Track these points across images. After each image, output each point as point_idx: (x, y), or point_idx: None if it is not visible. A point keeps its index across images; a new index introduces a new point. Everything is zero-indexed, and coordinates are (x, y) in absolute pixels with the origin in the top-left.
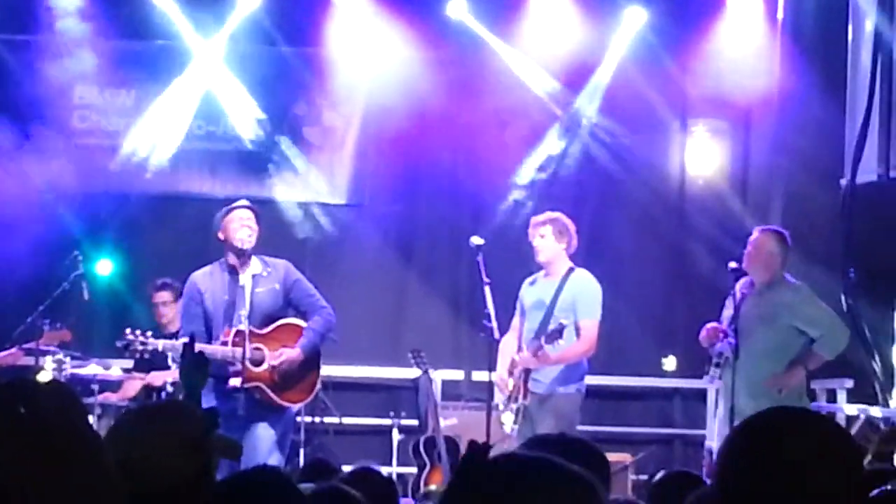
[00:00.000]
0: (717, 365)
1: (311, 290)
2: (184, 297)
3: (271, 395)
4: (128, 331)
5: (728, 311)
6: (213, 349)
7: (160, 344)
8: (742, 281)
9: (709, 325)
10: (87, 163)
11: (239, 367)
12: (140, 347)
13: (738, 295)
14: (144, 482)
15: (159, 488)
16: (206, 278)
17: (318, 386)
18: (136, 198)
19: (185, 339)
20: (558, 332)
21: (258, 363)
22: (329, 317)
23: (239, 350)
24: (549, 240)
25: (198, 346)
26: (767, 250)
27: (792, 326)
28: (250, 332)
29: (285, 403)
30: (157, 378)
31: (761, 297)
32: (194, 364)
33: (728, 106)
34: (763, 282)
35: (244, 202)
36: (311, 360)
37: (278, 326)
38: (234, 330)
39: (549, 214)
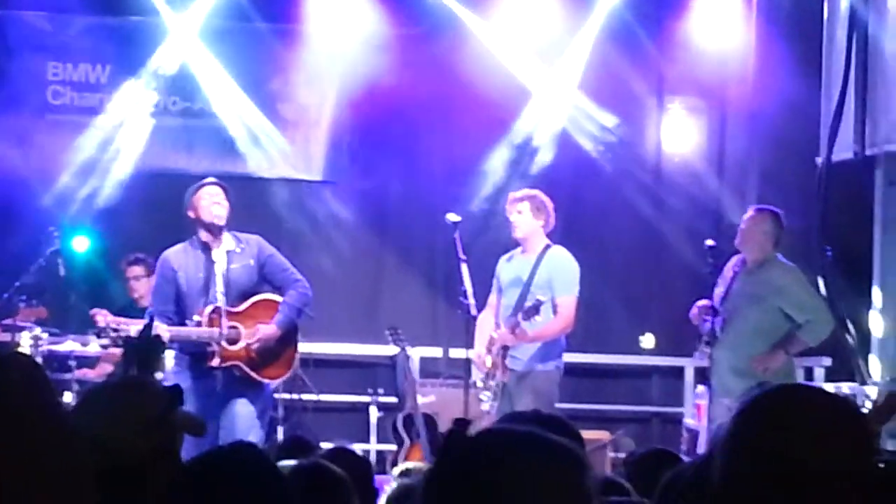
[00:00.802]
0: (708, 343)
1: (286, 265)
2: (156, 275)
3: (249, 372)
4: (98, 318)
5: (720, 289)
6: (189, 331)
7: (132, 329)
8: (734, 259)
9: (699, 303)
10: (61, 139)
11: (215, 347)
12: (112, 335)
13: (730, 273)
14: (106, 459)
15: (121, 465)
16: (180, 256)
17: (297, 361)
18: (111, 174)
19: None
20: (535, 309)
21: (234, 342)
22: (305, 290)
23: (215, 330)
24: (527, 216)
25: (172, 329)
26: (762, 230)
27: (779, 308)
28: (226, 310)
29: (264, 380)
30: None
31: (751, 276)
32: (148, 346)
33: (704, 84)
34: (755, 261)
35: (212, 179)
36: (289, 336)
37: (254, 303)
38: (209, 308)
39: (526, 191)
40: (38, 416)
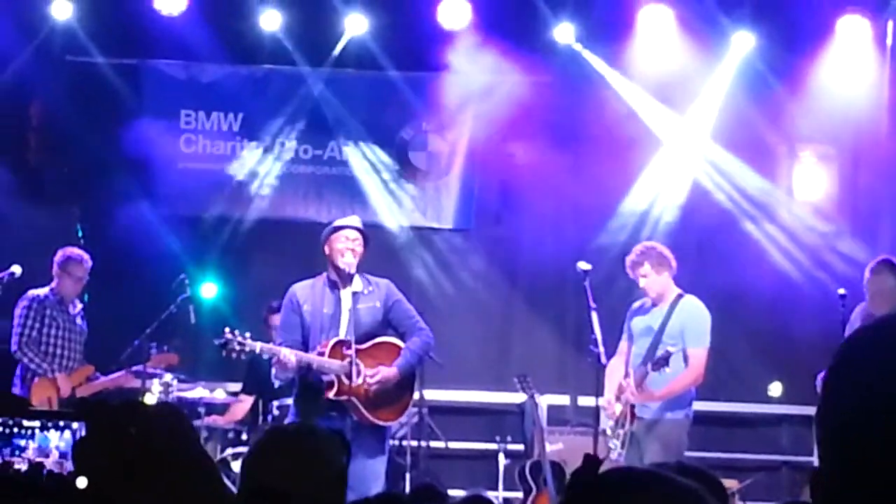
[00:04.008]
0: None
1: (412, 312)
2: (283, 307)
3: (362, 410)
4: (227, 329)
5: None
6: (313, 358)
7: (258, 346)
8: (858, 309)
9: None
10: (193, 186)
11: (333, 378)
12: (237, 347)
13: (859, 325)
14: None
15: None
16: (307, 290)
17: (410, 408)
18: (241, 221)
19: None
20: (665, 360)
21: (354, 377)
22: (428, 339)
23: (337, 362)
24: (653, 276)
25: (298, 353)
26: (888, 286)
27: None
28: (350, 345)
29: (377, 421)
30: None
31: None
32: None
33: (836, 131)
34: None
35: (354, 221)
36: (407, 381)
37: (376, 343)
38: (332, 342)
39: (638, 251)
40: (181, 463)
